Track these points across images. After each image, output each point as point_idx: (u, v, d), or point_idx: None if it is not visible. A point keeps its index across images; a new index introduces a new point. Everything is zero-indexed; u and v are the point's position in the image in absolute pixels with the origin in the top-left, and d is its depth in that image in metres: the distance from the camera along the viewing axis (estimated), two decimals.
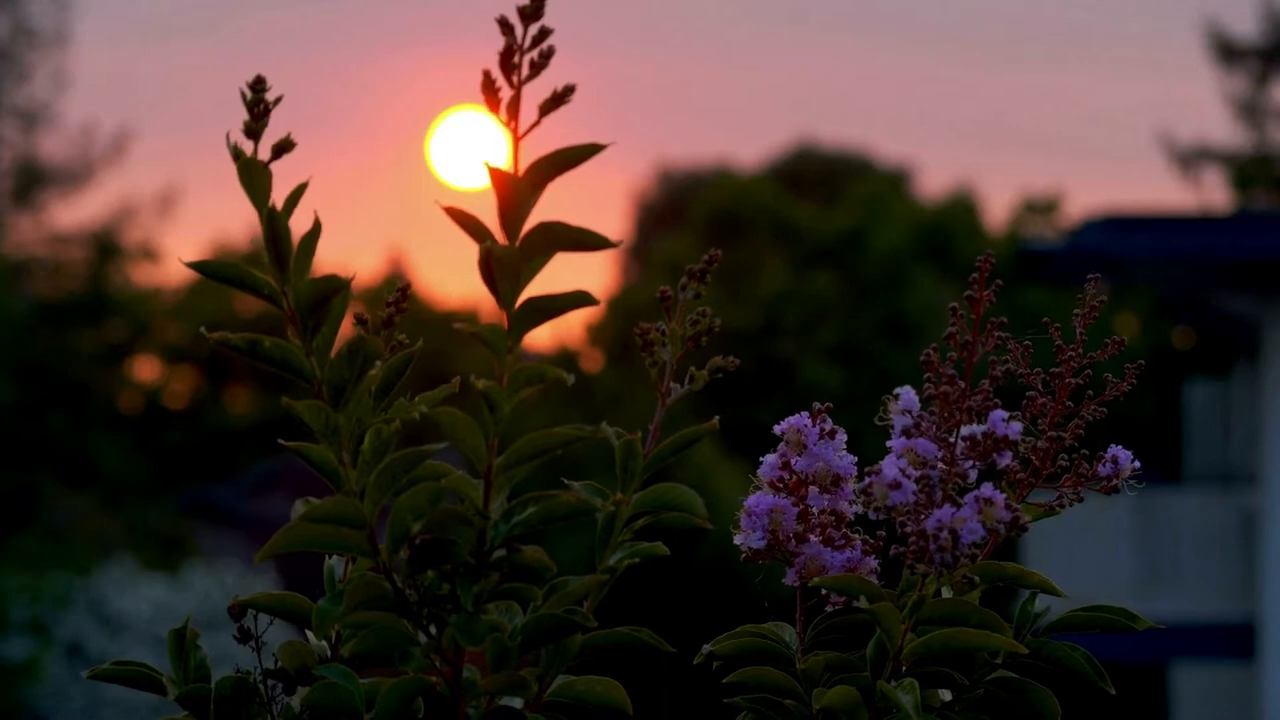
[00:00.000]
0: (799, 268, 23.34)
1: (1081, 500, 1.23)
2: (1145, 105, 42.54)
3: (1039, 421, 1.22)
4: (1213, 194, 25.25)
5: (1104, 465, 1.24)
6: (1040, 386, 1.22)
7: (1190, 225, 13.53)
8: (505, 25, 1.11)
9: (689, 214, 25.40)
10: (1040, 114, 44.18)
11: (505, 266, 1.10)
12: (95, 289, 22.71)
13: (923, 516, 1.15)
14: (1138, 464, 1.24)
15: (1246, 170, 24.84)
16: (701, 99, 42.43)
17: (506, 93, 1.11)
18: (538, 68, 1.11)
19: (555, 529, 1.14)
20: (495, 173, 1.11)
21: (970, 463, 1.16)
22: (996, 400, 1.16)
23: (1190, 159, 24.99)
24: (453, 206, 1.10)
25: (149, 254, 23.41)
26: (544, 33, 1.12)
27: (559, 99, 1.11)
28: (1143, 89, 42.91)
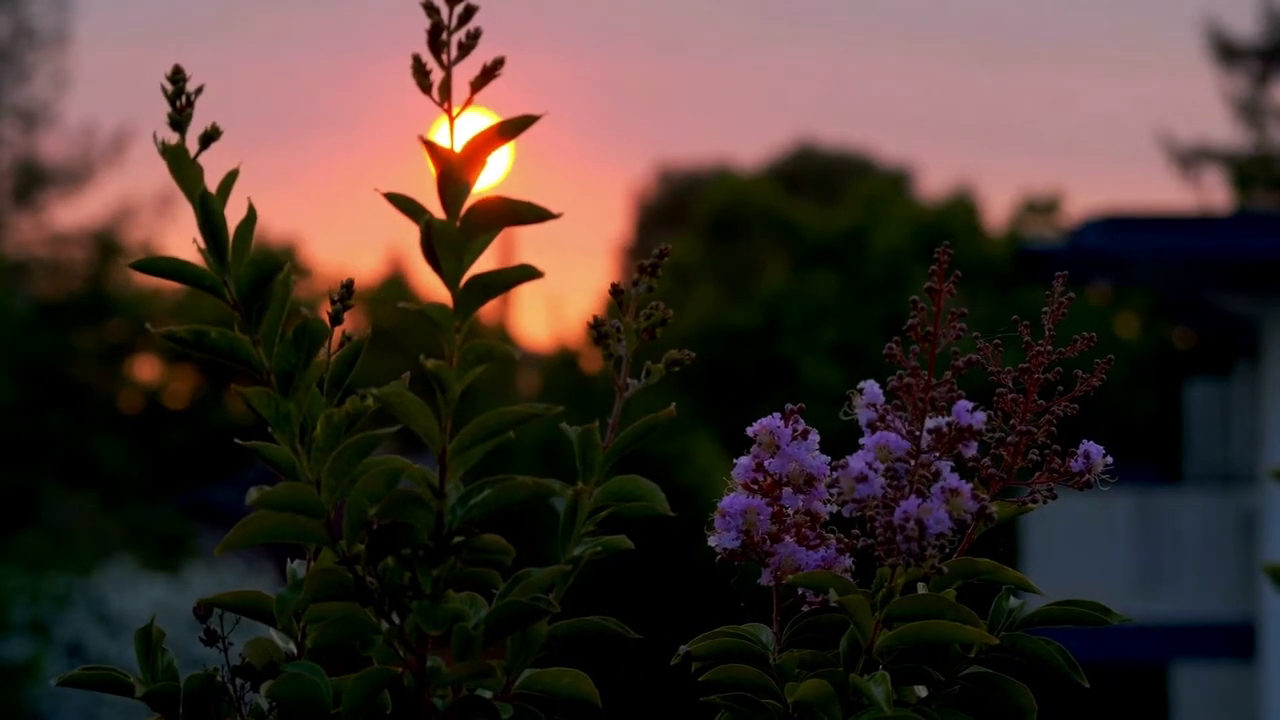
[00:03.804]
0: (799, 268, 23.34)
1: (1055, 497, 1.22)
2: (1145, 105, 42.56)
3: (1011, 419, 1.22)
4: (1213, 194, 25.27)
5: (1076, 460, 1.23)
6: (1011, 384, 1.22)
7: (1190, 225, 13.54)
8: (430, 7, 1.11)
9: (689, 214, 25.40)
10: (1040, 114, 44.20)
11: (446, 242, 1.09)
12: (95, 289, 22.72)
13: (893, 509, 1.14)
14: (1109, 459, 1.23)
15: (1246, 170, 24.83)
16: (701, 99, 42.45)
17: (438, 74, 1.11)
18: (466, 48, 1.11)
19: (528, 537, 1.13)
20: (432, 148, 1.10)
21: (937, 454, 1.16)
22: (960, 391, 1.16)
23: (1190, 159, 24.98)
24: (392, 192, 1.10)
25: (149, 254, 23.37)
26: (469, 11, 1.11)
27: (489, 74, 1.11)
28: (1143, 89, 42.93)
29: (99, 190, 30.46)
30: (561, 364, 21.82)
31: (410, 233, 1.10)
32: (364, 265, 29.35)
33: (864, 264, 23.25)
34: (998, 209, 42.00)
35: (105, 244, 22.65)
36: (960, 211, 25.19)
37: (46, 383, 21.73)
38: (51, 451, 21.54)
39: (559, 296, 25.03)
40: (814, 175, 27.78)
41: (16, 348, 20.40)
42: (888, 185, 25.88)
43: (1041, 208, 27.24)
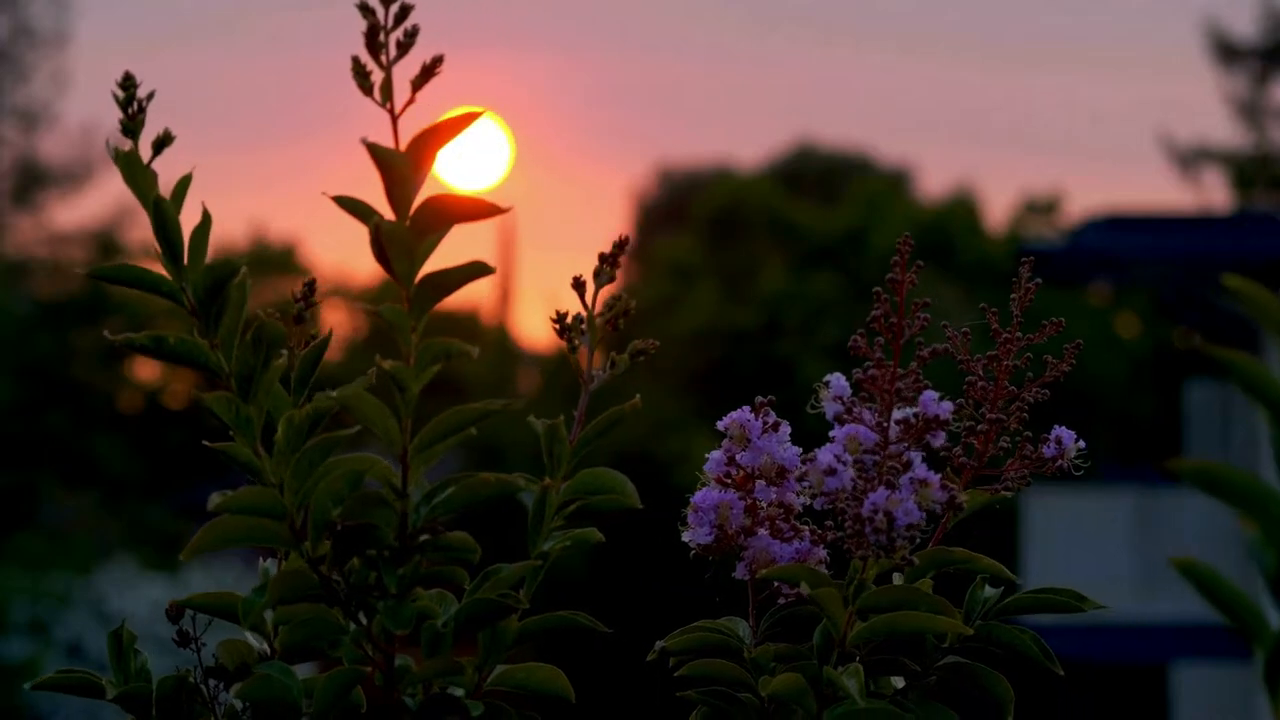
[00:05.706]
0: (799, 268, 23.34)
1: (1029, 484, 1.21)
2: (1145, 105, 42.56)
3: (983, 408, 1.21)
4: (1213, 194, 25.26)
5: (1048, 446, 1.22)
6: (980, 372, 1.21)
7: (1190, 225, 13.55)
8: (365, 8, 1.10)
9: (689, 214, 25.41)
10: (1040, 114, 44.19)
11: (397, 243, 1.08)
12: (95, 289, 22.72)
13: (862, 501, 1.14)
14: (1082, 444, 1.22)
15: (1246, 170, 24.83)
16: (701, 99, 42.46)
17: (378, 75, 1.11)
18: (404, 47, 1.11)
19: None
20: (376, 150, 1.09)
21: (906, 445, 1.15)
22: (927, 381, 1.15)
23: (1190, 159, 24.99)
24: (340, 195, 1.09)
25: (149, 254, 23.38)
26: (405, 10, 1.11)
27: (428, 72, 1.11)
28: (1143, 89, 42.93)
29: (99, 190, 30.45)
30: (561, 363, 21.80)
31: None
32: (364, 265, 29.36)
33: (864, 264, 23.26)
34: (998, 209, 41.97)
35: (105, 244, 22.67)
36: (960, 211, 25.20)
37: (46, 383, 21.74)
38: (51, 451, 21.54)
39: (559, 296, 25.03)
40: (814, 175, 27.78)
41: (16, 348, 20.40)
42: (888, 185, 25.89)
43: (1041, 208, 27.23)
